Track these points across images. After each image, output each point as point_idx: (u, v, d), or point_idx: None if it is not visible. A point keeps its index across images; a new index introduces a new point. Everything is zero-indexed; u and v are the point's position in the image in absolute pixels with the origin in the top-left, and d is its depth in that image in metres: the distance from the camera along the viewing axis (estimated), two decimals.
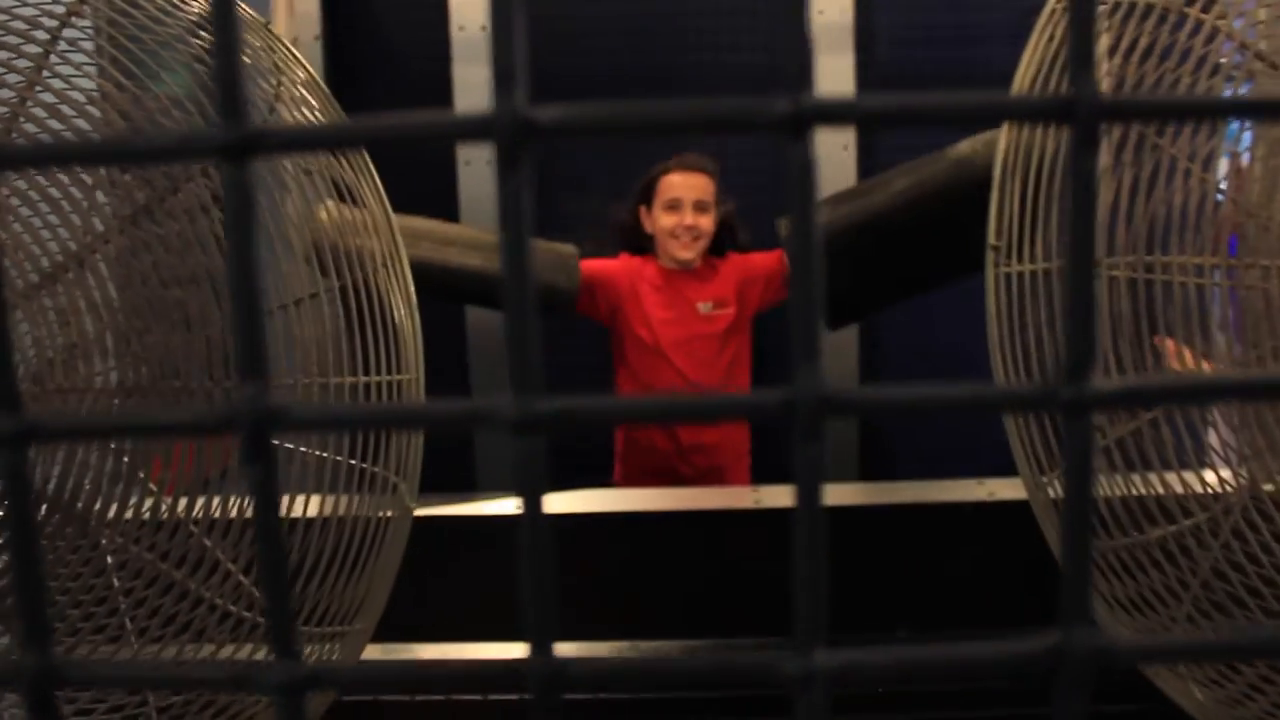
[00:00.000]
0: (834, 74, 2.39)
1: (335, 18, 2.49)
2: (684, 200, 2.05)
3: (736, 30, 2.48)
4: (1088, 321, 0.25)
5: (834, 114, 0.24)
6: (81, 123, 0.90)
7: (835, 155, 2.40)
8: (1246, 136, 0.98)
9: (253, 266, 0.26)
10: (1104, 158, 1.01)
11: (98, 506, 0.89)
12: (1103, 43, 0.99)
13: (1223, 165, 1.04)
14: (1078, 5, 0.24)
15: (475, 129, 0.24)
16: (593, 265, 2.10)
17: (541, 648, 0.26)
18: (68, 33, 0.90)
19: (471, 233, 2.12)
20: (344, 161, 1.01)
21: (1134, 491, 0.89)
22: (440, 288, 1.86)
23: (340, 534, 0.96)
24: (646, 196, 2.09)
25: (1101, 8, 1.04)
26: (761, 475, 2.11)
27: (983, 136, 1.70)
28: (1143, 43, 0.91)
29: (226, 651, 0.98)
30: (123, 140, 0.23)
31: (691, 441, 2.06)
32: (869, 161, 2.43)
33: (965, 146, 1.74)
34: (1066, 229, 0.24)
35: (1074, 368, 0.26)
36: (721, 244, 2.12)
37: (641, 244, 2.14)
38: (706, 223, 2.07)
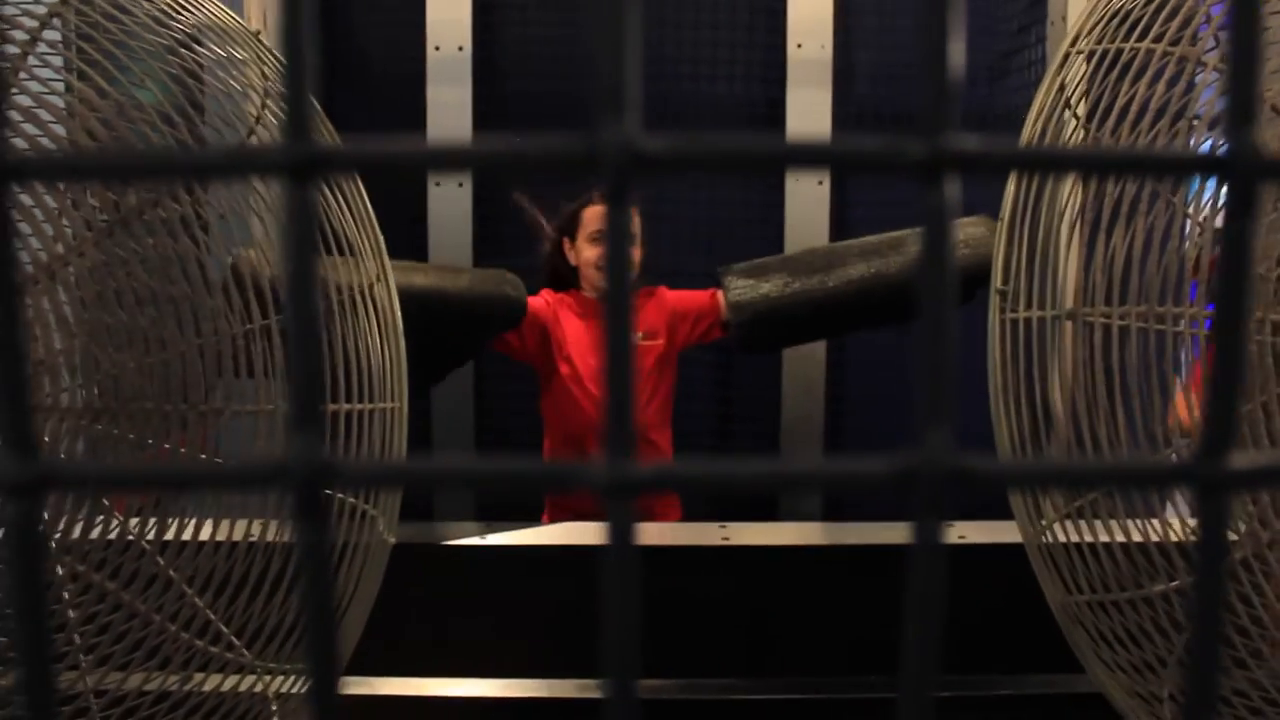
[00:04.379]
0: (811, 109, 2.39)
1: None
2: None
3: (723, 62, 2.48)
4: (1231, 394, 0.23)
5: (972, 160, 0.22)
6: (59, 128, 0.86)
7: (812, 191, 2.41)
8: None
9: (313, 298, 0.24)
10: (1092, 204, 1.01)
11: (58, 533, 0.84)
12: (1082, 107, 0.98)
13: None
14: (1238, 57, 0.22)
15: (578, 158, 0.22)
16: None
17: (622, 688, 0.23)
18: (48, 34, 0.86)
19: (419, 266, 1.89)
20: (329, 185, 0.98)
21: (1132, 539, 0.88)
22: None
23: None
24: (569, 229, 2.03)
25: (1078, 56, 1.03)
26: (691, 510, 2.08)
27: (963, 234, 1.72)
28: (1120, 99, 0.90)
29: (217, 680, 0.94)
30: (174, 153, 0.21)
31: None
32: (841, 199, 2.43)
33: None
34: (1217, 295, 0.22)
35: (1213, 443, 0.24)
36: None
37: (566, 277, 2.07)
38: (634, 255, 2.00)
